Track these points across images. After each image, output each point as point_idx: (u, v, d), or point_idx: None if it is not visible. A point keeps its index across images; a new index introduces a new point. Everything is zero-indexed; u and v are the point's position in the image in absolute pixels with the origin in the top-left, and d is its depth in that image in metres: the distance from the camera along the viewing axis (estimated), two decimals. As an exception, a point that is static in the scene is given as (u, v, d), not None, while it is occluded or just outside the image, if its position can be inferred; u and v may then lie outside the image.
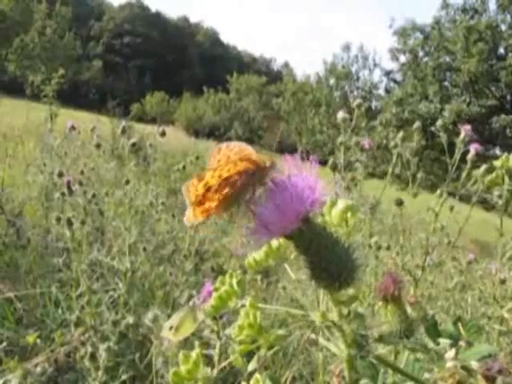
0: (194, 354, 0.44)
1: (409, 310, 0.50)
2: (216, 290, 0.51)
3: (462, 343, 0.51)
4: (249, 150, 0.55)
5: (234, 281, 0.50)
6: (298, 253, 0.49)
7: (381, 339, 0.43)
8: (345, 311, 0.46)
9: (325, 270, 0.47)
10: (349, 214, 0.49)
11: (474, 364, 0.42)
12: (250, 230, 0.48)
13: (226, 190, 0.51)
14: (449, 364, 0.43)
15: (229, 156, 0.55)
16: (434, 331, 0.51)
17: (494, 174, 0.80)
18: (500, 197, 1.11)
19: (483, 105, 21.20)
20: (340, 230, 0.49)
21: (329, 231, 0.49)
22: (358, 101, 1.70)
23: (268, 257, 0.52)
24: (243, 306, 0.47)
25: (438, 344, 0.56)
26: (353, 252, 0.48)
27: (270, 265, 0.53)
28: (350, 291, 0.47)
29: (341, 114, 1.64)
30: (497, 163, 0.80)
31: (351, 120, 1.65)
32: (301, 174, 0.48)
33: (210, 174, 0.53)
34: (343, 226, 0.49)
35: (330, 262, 0.46)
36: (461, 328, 0.60)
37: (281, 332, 0.42)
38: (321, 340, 0.46)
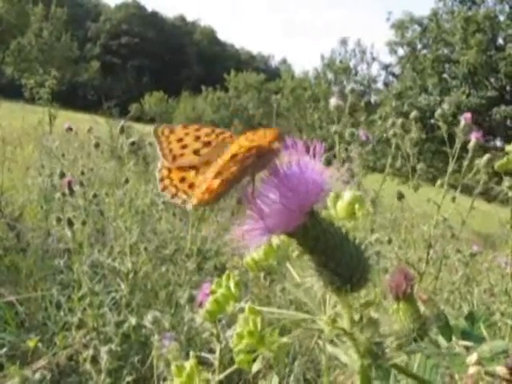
0: (188, 365, 0.41)
1: (421, 307, 0.47)
2: (213, 292, 0.47)
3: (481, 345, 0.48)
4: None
5: (232, 283, 0.46)
6: (302, 252, 0.44)
7: (400, 347, 0.40)
8: (356, 317, 0.42)
9: (334, 271, 0.42)
10: (356, 206, 0.45)
11: (500, 369, 0.39)
12: (247, 227, 0.43)
13: (234, 168, 0.46)
14: (471, 370, 0.40)
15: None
16: (448, 329, 0.48)
17: (504, 159, 0.76)
18: (511, 188, 1.08)
19: (483, 96, 21.15)
20: (347, 223, 0.45)
21: (337, 227, 0.44)
22: (352, 86, 1.65)
23: (268, 256, 0.48)
24: (242, 309, 0.43)
25: (450, 341, 0.54)
26: (364, 250, 0.44)
27: (271, 264, 0.49)
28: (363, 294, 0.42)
29: (334, 101, 1.58)
30: (509, 148, 0.76)
31: (351, 109, 1.61)
32: (304, 161, 0.43)
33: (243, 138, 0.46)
34: (350, 219, 0.45)
35: (339, 263, 0.42)
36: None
37: (284, 340, 0.39)
38: (329, 348, 0.43)
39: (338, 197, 0.46)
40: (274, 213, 0.42)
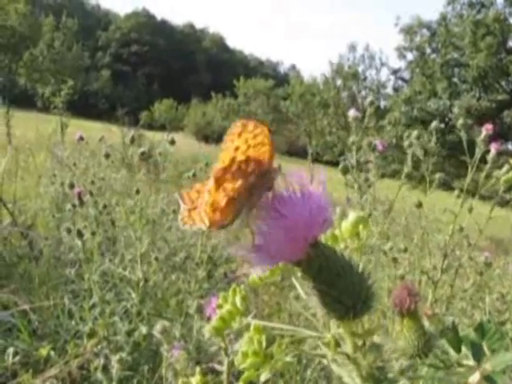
0: (194, 381, 0.41)
1: (426, 323, 0.47)
2: (219, 307, 0.47)
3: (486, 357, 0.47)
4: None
5: (238, 298, 0.46)
6: (305, 280, 0.44)
7: (402, 373, 0.40)
8: (359, 342, 0.42)
9: (336, 299, 0.42)
10: (360, 227, 0.45)
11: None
12: (250, 256, 0.43)
13: (239, 183, 0.45)
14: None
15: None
16: (457, 341, 0.48)
17: (510, 174, 0.76)
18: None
19: (493, 99, 20.95)
20: (351, 243, 0.45)
21: (340, 255, 0.44)
22: (371, 98, 1.65)
23: (273, 274, 0.48)
24: (248, 325, 0.43)
25: (459, 352, 0.54)
26: (367, 278, 0.44)
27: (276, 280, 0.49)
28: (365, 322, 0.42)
29: (352, 113, 1.60)
30: (513, 162, 0.76)
31: (363, 118, 1.61)
32: (307, 191, 0.42)
33: (244, 138, 0.45)
34: (354, 239, 0.45)
35: (342, 291, 0.42)
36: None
37: (288, 359, 0.39)
38: (334, 368, 0.43)
39: (343, 216, 0.46)
40: (278, 244, 0.42)
